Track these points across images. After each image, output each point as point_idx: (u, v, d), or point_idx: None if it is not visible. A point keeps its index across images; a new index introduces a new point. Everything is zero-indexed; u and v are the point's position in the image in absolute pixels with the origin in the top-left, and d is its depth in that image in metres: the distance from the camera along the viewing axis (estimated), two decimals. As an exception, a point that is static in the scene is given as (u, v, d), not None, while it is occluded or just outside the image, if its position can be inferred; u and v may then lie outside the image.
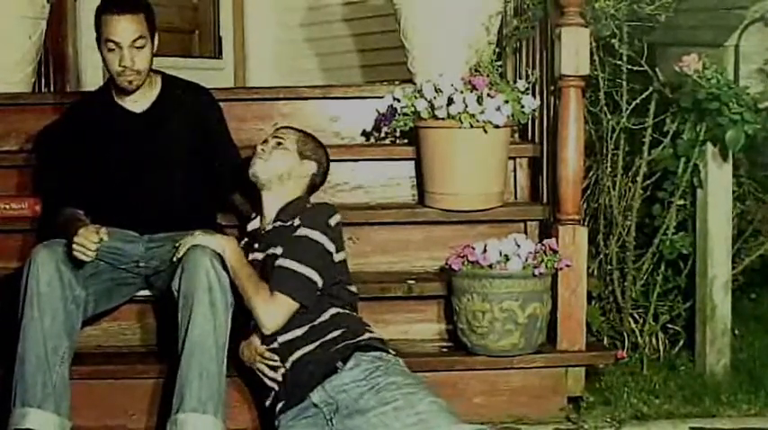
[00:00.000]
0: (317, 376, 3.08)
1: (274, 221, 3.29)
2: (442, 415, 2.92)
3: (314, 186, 3.41)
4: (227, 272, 3.17)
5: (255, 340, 3.20)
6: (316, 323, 3.15)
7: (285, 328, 3.14)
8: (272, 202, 3.31)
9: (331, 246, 3.19)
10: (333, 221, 3.22)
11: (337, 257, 3.22)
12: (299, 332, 3.15)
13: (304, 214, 3.24)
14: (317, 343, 3.13)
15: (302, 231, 3.18)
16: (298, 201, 3.32)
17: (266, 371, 3.17)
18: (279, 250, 3.19)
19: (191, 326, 3.11)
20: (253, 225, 3.39)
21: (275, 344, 3.16)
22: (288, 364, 3.14)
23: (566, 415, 3.48)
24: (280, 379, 3.15)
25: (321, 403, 3.06)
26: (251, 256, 3.28)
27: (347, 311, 3.23)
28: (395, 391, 2.97)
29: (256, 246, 3.30)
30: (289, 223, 3.24)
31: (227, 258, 3.17)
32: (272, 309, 3.12)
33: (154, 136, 3.49)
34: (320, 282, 3.15)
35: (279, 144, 3.33)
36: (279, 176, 3.30)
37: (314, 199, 3.79)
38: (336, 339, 3.13)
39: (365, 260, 3.78)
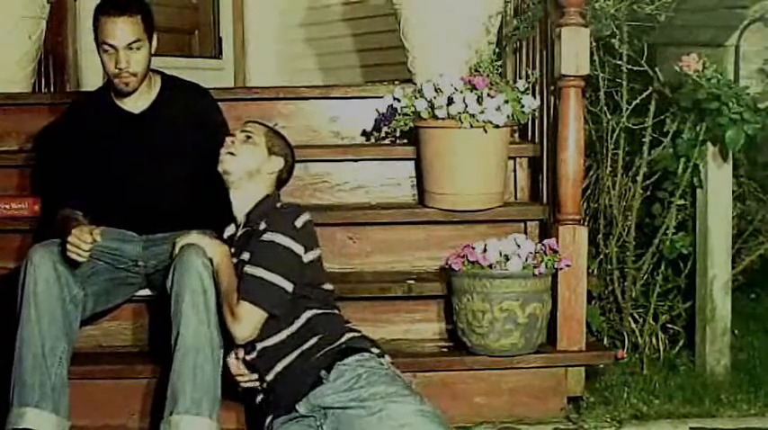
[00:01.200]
0: (302, 388, 3.05)
1: (245, 226, 3.23)
2: (428, 427, 2.89)
3: (280, 182, 3.33)
4: None
5: (239, 352, 3.16)
6: (292, 329, 3.11)
7: (262, 336, 3.10)
8: (240, 203, 3.25)
9: (299, 248, 3.11)
10: (299, 222, 3.14)
11: (307, 258, 3.14)
12: (276, 339, 3.10)
13: (270, 217, 3.17)
14: (297, 352, 3.09)
15: (268, 236, 3.11)
16: (266, 200, 3.25)
17: (249, 385, 3.17)
18: (246, 256, 3.14)
19: (184, 328, 3.10)
20: (229, 231, 3.33)
21: (254, 353, 3.13)
22: (270, 376, 3.11)
23: (566, 415, 3.48)
24: (264, 386, 3.13)
25: (308, 413, 3.04)
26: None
27: (323, 312, 3.16)
28: (378, 401, 2.93)
29: (233, 250, 3.24)
30: (255, 227, 3.17)
31: (216, 264, 3.15)
32: (241, 318, 3.07)
33: (153, 136, 3.49)
34: (290, 288, 3.09)
35: (248, 138, 3.26)
36: (248, 173, 3.23)
37: (314, 200, 3.80)
38: (315, 346, 3.08)
39: (365, 260, 3.78)
